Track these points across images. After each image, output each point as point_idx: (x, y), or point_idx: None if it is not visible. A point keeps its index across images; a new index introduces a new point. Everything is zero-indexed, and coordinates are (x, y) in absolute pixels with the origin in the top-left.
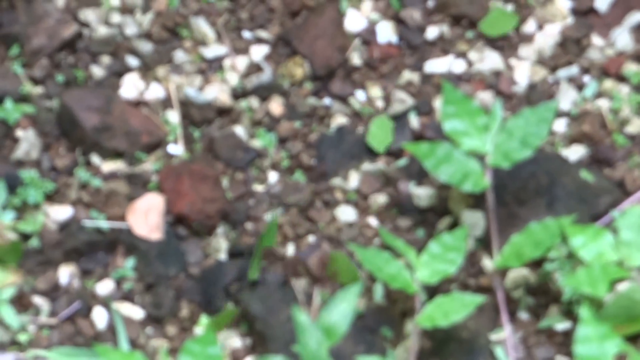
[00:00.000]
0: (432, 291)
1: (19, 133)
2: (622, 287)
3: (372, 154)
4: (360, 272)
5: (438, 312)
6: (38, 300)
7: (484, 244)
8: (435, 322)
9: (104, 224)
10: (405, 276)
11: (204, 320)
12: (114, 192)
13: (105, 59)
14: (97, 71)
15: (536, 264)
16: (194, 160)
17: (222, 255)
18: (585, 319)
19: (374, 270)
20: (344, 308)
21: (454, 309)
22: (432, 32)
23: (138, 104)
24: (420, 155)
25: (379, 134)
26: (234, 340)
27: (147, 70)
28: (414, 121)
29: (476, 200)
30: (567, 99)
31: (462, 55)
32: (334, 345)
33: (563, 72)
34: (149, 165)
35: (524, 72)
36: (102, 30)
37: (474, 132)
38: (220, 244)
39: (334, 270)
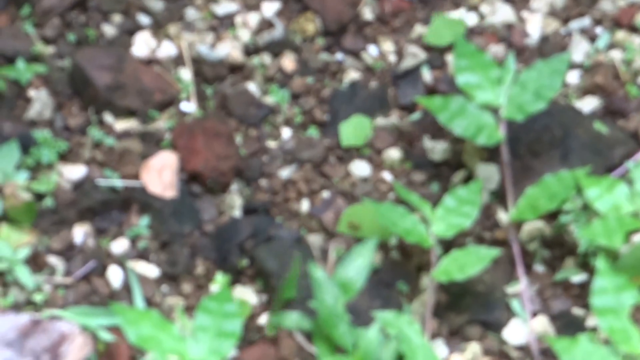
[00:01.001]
0: (448, 245)
1: (32, 93)
2: (637, 238)
3: (385, 109)
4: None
5: (454, 266)
6: (53, 260)
7: (499, 197)
8: (451, 275)
9: (117, 182)
10: (420, 230)
11: (219, 277)
12: (128, 151)
13: (117, 18)
14: (109, 30)
15: (551, 216)
16: (207, 117)
17: (237, 212)
18: (602, 271)
19: (389, 224)
20: (359, 263)
21: (469, 263)
22: None
23: (150, 62)
24: (433, 109)
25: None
26: (250, 297)
27: (158, 28)
28: (427, 75)
29: (490, 154)
30: (579, 50)
31: (474, 8)
32: (350, 300)
33: (575, 24)
34: (162, 123)
35: (536, 25)
36: None
37: (488, 85)
38: (235, 201)
39: (355, 224)
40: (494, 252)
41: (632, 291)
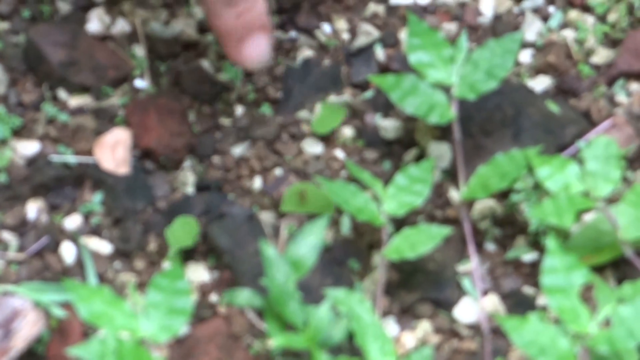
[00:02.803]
0: (400, 223)
1: None
2: (588, 217)
3: (338, 87)
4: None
5: (405, 244)
6: (6, 235)
7: (451, 175)
8: (402, 254)
9: (71, 158)
10: (372, 208)
11: (171, 254)
12: (81, 127)
13: None
14: (63, 6)
15: (503, 195)
16: (160, 94)
17: (190, 189)
18: (552, 250)
19: (341, 202)
20: (311, 241)
21: (420, 241)
22: None
23: (104, 38)
24: (386, 87)
25: None
26: (202, 274)
27: (113, 5)
28: (380, 53)
29: (442, 132)
30: (532, 29)
31: None
32: (301, 278)
33: (528, 3)
34: (116, 99)
35: (489, 3)
36: None
37: (440, 64)
38: (188, 178)
39: (304, 201)
40: (445, 230)
41: (582, 270)
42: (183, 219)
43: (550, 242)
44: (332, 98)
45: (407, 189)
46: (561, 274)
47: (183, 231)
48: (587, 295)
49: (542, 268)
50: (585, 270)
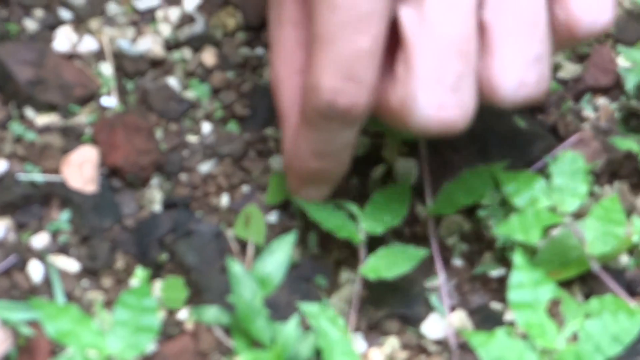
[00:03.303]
0: (372, 241)
1: None
2: (555, 232)
3: None
4: (266, 230)
5: (382, 264)
6: None
7: (418, 192)
8: (379, 273)
9: (38, 177)
10: (350, 227)
11: (139, 272)
12: (48, 146)
13: (38, 12)
14: (30, 24)
15: (470, 211)
16: (127, 112)
17: (157, 207)
18: (519, 266)
19: (321, 220)
20: (278, 258)
21: (397, 262)
22: None
23: (71, 56)
24: None
25: None
26: None
27: (80, 23)
28: None
29: (409, 149)
30: None
31: None
32: (269, 295)
33: None
34: (83, 117)
35: None
36: None
37: None
38: (155, 196)
39: (248, 225)
40: (422, 252)
41: (549, 286)
42: (171, 280)
43: (517, 258)
44: None
45: (385, 207)
46: (528, 290)
47: (172, 292)
48: (554, 311)
49: (509, 284)
50: (552, 285)
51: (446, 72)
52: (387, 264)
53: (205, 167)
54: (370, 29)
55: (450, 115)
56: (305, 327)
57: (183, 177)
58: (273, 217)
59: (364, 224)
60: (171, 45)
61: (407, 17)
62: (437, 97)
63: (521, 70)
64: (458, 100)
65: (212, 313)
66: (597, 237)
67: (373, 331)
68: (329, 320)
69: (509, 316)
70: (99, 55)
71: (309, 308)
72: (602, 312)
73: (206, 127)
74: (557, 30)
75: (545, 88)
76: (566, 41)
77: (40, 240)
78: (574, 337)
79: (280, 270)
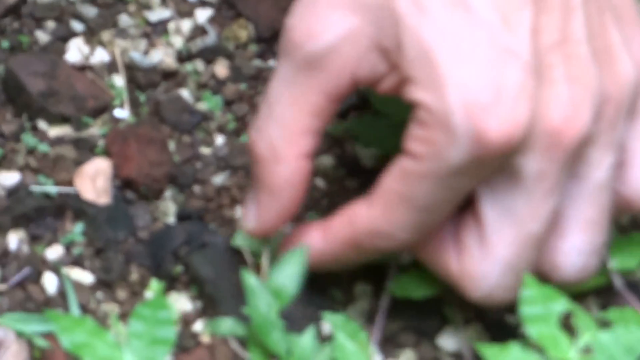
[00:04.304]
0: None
1: None
2: None
3: None
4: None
5: (412, 284)
6: None
7: None
8: (407, 292)
9: (52, 189)
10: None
11: (154, 284)
12: (62, 157)
13: (50, 24)
14: (42, 36)
15: None
16: (140, 124)
17: (171, 219)
18: (528, 282)
19: None
20: (293, 270)
21: (427, 283)
22: None
23: (83, 68)
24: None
25: None
26: (184, 304)
27: (91, 35)
28: None
29: None
30: None
31: None
32: (284, 307)
33: None
34: (96, 129)
35: None
36: None
37: None
38: (169, 208)
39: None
40: None
41: (561, 300)
42: None
43: (525, 275)
44: None
45: None
46: (540, 304)
47: None
48: (567, 323)
49: (520, 298)
50: (564, 299)
51: (522, 261)
52: (417, 285)
53: (219, 179)
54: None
55: (511, 296)
56: (321, 338)
57: (196, 189)
58: (287, 228)
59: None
60: (183, 57)
61: (487, 200)
62: (507, 282)
63: (587, 258)
64: (520, 281)
65: (227, 325)
66: (620, 251)
67: (389, 344)
68: (349, 332)
69: (523, 329)
70: (111, 67)
71: (334, 318)
72: (618, 324)
73: (219, 139)
74: (617, 203)
75: (596, 270)
76: (623, 212)
77: (54, 252)
78: (587, 350)
79: (295, 282)
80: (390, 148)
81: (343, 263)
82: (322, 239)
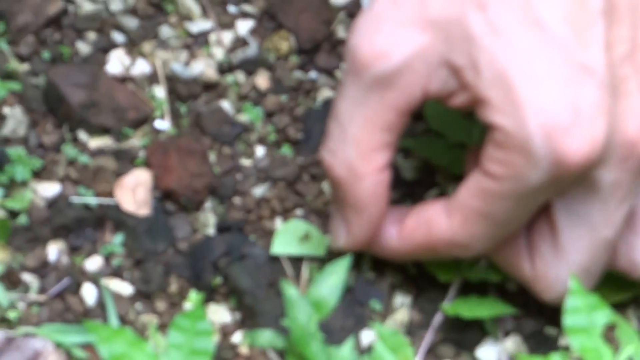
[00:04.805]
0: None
1: (6, 110)
2: None
3: None
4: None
5: (465, 307)
6: (27, 277)
7: None
8: (458, 311)
9: (92, 200)
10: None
11: (193, 295)
12: (102, 168)
13: (91, 35)
14: (83, 47)
15: None
16: (181, 135)
17: (211, 230)
18: (574, 290)
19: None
20: (333, 281)
21: (481, 308)
22: None
23: (124, 79)
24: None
25: None
26: (224, 315)
27: (132, 46)
28: None
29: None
30: None
31: None
32: (323, 318)
33: None
34: (136, 141)
35: None
36: (87, 7)
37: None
38: (209, 219)
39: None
40: (510, 309)
41: (604, 310)
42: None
43: (572, 282)
44: None
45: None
46: (583, 314)
47: None
48: (610, 335)
49: (564, 308)
50: (607, 309)
51: (594, 264)
52: (470, 307)
53: (259, 190)
54: None
55: None
56: (360, 350)
57: (237, 200)
58: (327, 240)
59: (464, 271)
60: (224, 68)
61: (562, 208)
62: (583, 284)
63: None
64: (593, 282)
65: (266, 337)
66: None
67: (428, 356)
68: (394, 345)
69: (563, 341)
70: (152, 79)
71: (382, 329)
72: None
73: (260, 150)
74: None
75: None
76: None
77: (93, 263)
78: None
79: (335, 294)
80: (448, 165)
81: (413, 259)
82: (397, 237)
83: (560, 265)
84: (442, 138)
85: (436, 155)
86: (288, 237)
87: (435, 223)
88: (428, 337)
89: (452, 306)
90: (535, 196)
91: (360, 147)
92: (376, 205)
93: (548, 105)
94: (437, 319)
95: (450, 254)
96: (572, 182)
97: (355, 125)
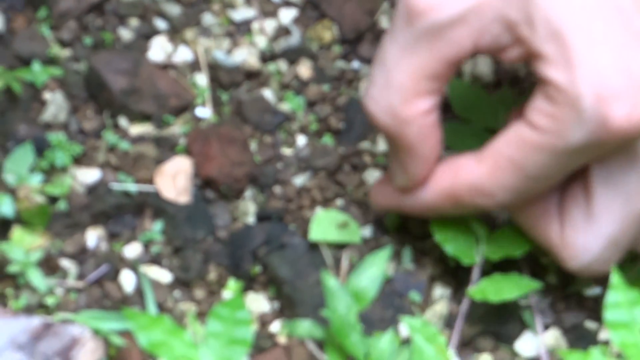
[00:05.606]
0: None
1: (47, 96)
2: None
3: None
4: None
5: (491, 288)
6: (66, 263)
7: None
8: (486, 296)
9: (131, 187)
10: (472, 250)
11: (232, 284)
12: (142, 155)
13: (134, 22)
14: (125, 34)
15: None
16: (222, 123)
17: (251, 219)
18: (615, 285)
19: (442, 240)
20: (373, 272)
21: (507, 288)
22: None
23: (166, 66)
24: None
25: None
26: (262, 304)
27: (175, 33)
28: None
29: None
30: None
31: None
32: (363, 309)
33: None
34: (177, 128)
35: None
36: None
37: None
38: (249, 208)
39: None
40: (536, 284)
41: None
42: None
43: (614, 277)
44: None
45: (511, 238)
46: (624, 309)
47: None
48: None
49: (605, 303)
50: None
51: (625, 237)
52: (497, 289)
53: (300, 180)
54: None
55: (608, 269)
56: (400, 342)
57: (277, 189)
58: (367, 231)
59: (485, 247)
60: (267, 57)
61: (599, 175)
62: (608, 255)
63: None
64: (620, 255)
65: (305, 326)
66: None
67: (466, 348)
68: (427, 336)
69: (603, 335)
70: (194, 66)
71: (412, 322)
72: None
73: (301, 139)
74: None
75: None
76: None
77: (132, 250)
78: None
79: (375, 285)
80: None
81: (436, 214)
82: (425, 185)
83: (591, 234)
84: (465, 125)
85: (459, 143)
86: (326, 224)
87: (463, 168)
88: (464, 328)
89: (478, 289)
90: (572, 156)
91: (404, 93)
92: (427, 146)
93: (602, 67)
94: (477, 310)
95: (473, 203)
96: (614, 149)
97: (401, 71)
